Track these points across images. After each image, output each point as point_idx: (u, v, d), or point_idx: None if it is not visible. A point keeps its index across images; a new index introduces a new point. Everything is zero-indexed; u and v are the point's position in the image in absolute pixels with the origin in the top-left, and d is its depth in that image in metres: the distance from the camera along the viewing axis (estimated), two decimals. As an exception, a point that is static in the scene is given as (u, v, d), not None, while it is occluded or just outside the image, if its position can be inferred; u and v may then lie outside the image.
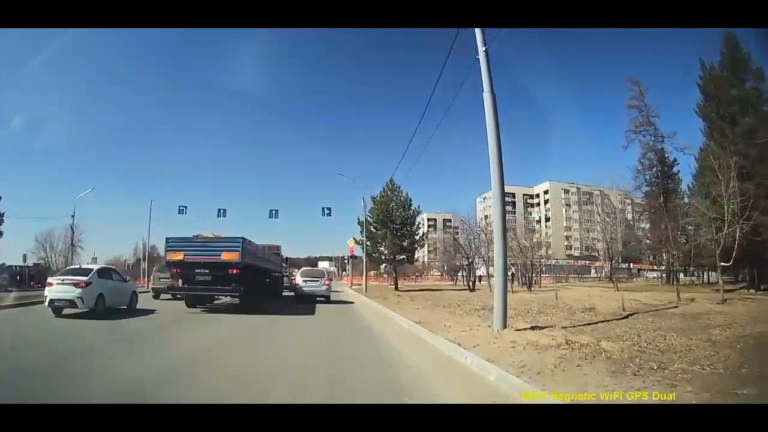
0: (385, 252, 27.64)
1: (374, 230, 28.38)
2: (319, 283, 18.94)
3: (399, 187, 29.00)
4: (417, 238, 29.72)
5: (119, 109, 77.62)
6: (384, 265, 29.58)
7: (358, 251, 40.48)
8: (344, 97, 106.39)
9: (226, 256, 12.43)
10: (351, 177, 61.57)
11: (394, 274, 30.13)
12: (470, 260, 25.90)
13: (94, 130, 77.33)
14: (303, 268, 22.12)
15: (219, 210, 28.70)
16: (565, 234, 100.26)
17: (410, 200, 29.03)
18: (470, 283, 24.95)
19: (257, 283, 15.88)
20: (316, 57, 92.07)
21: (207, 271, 12.63)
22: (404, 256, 28.74)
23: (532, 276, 27.06)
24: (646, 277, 55.09)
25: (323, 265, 69.78)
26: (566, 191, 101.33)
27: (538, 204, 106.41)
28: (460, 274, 50.55)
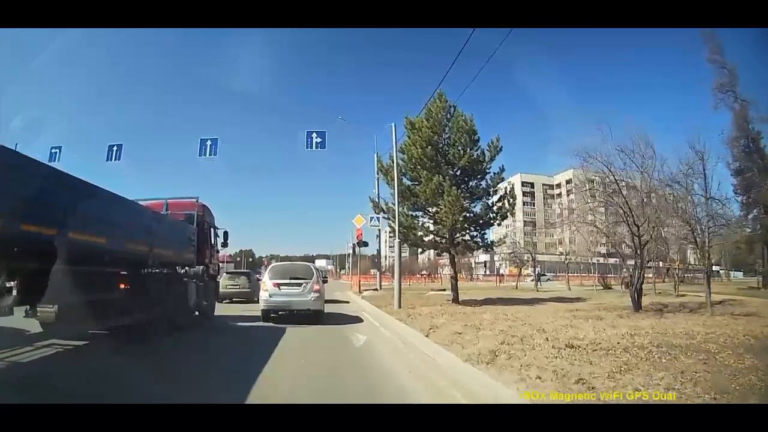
0: (440, 224, 13.43)
1: (410, 184, 14.42)
2: (302, 288, 10.06)
3: (455, 107, 15.05)
4: (496, 199, 14.34)
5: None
6: (438, 251, 15.36)
7: (371, 236, 26.36)
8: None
9: None
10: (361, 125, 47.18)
11: (453, 272, 15.13)
12: (642, 241, 12.15)
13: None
14: (273, 265, 12.01)
15: (110, 147, 15.04)
16: (589, 229, 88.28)
17: (476, 131, 15.08)
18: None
19: None
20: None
21: None
22: (470, 236, 14.55)
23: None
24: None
25: (320, 263, 56.16)
26: (591, 181, 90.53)
27: (560, 195, 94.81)
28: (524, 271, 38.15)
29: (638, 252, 13.51)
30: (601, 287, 29.39)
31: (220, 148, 13.19)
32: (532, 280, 37.89)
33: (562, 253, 68.23)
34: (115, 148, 15.21)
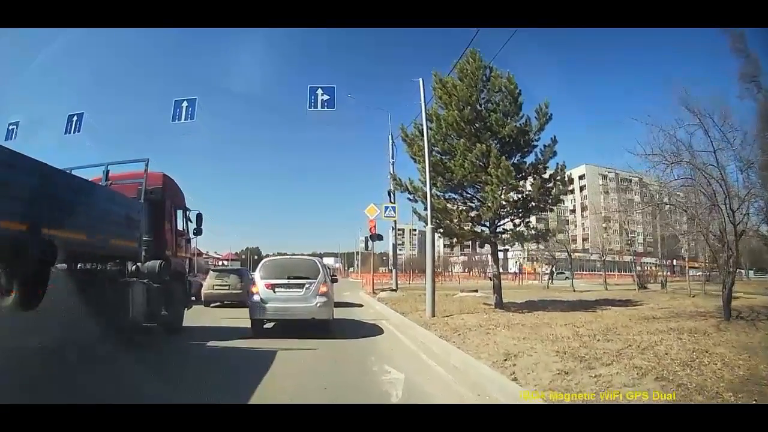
0: (481, 209, 10.41)
1: (441, 157, 11.45)
2: (304, 290, 7.57)
3: (491, 68, 12.05)
4: (546, 177, 11.04)
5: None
6: (480, 242, 12.27)
7: (384, 231, 23.20)
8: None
9: None
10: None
11: (496, 269, 11.91)
12: (737, 231, 8.93)
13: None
14: (267, 260, 8.94)
15: (69, 117, 12.43)
16: (603, 225, 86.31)
17: (520, 93, 12.02)
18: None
19: None
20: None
21: None
22: (513, 224, 11.47)
23: None
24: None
25: (327, 261, 52.85)
26: (604, 177, 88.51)
27: (572, 191, 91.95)
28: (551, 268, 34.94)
29: (728, 245, 10.22)
30: (638, 286, 26.17)
31: (221, 147, 10.46)
32: (549, 279, 35.21)
33: (576, 250, 65.41)
34: (75, 118, 12.52)
